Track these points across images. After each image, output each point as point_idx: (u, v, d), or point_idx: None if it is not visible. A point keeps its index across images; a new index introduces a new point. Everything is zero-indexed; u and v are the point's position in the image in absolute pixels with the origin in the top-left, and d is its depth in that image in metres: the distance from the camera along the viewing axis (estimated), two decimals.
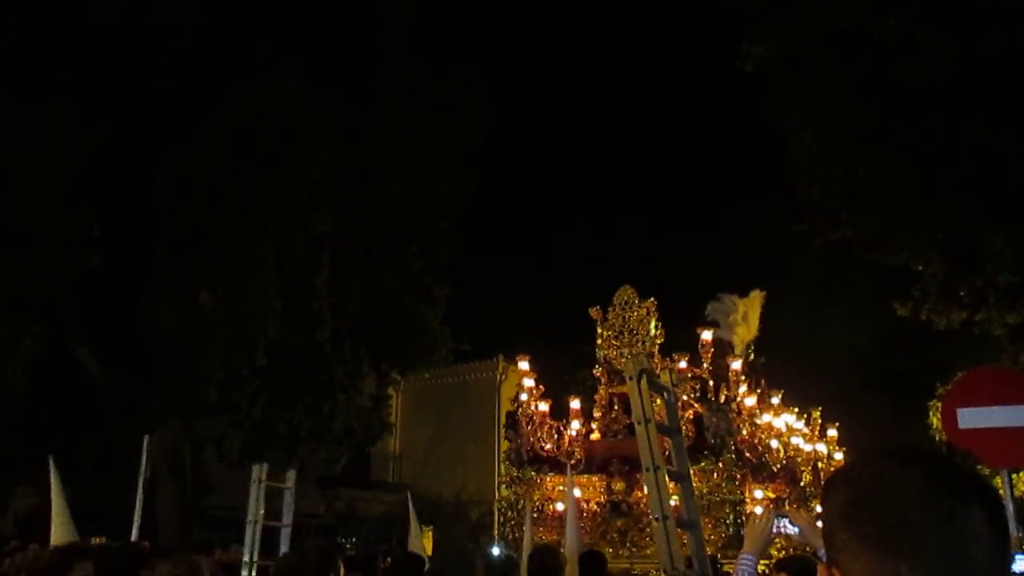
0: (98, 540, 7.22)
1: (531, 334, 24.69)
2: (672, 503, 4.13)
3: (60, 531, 6.17)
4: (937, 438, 17.10)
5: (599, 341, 10.30)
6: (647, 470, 4.09)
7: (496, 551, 14.61)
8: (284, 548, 6.42)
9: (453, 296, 18.43)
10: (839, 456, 11.79)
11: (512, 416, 22.82)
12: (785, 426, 10.05)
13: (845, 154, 11.66)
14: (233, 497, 18.49)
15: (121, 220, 14.40)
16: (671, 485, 4.36)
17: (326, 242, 15.70)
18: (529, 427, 10.07)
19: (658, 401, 4.92)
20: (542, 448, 9.84)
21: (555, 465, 9.68)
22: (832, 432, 11.96)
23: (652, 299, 10.11)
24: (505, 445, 22.81)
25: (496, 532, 22.97)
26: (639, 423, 4.15)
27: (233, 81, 14.71)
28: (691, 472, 4.84)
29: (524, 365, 10.61)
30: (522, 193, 34.56)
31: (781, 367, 11.58)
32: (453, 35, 17.60)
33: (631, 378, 4.30)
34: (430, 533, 22.21)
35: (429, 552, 21.28)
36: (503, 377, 25.93)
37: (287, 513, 6.74)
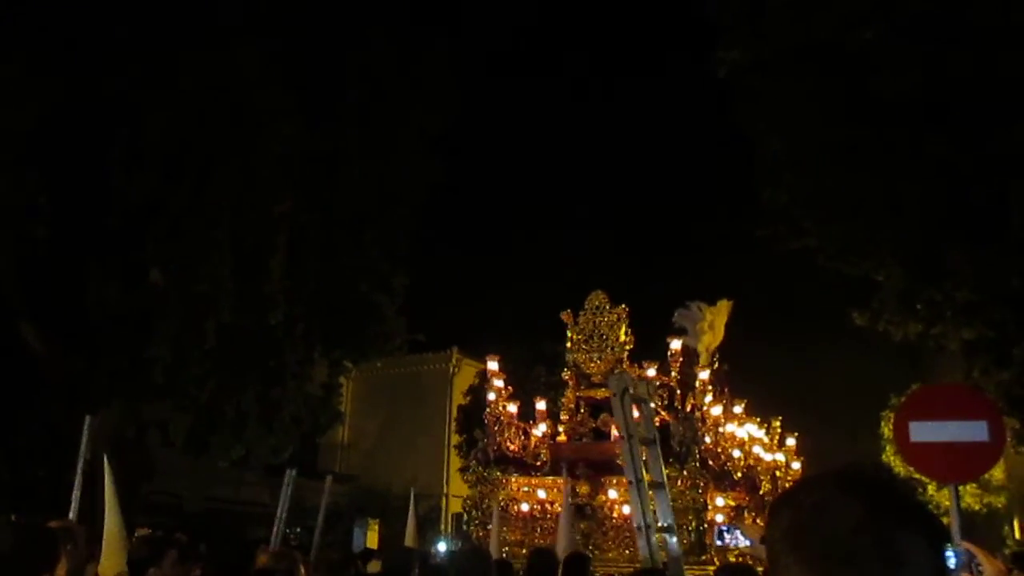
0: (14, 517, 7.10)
1: (487, 328, 24.84)
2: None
3: None
4: (887, 448, 17.64)
5: (569, 344, 10.41)
6: (631, 483, 4.37)
7: (443, 547, 14.61)
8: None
9: (410, 286, 18.28)
10: (796, 466, 11.94)
11: (465, 410, 23.23)
12: (747, 435, 10.23)
13: (812, 162, 11.85)
14: (176, 483, 18.33)
15: (70, 190, 14.02)
16: (648, 492, 4.59)
17: (284, 224, 15.51)
18: (497, 427, 10.07)
19: (636, 413, 5.19)
20: (508, 449, 9.81)
21: (521, 466, 9.81)
22: (791, 442, 12.17)
23: (623, 305, 10.24)
24: (456, 439, 23.35)
25: (444, 527, 23.19)
26: (623, 437, 4.52)
27: (196, 50, 14.39)
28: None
29: (493, 365, 10.71)
30: (487, 188, 34.59)
31: (745, 374, 11.76)
32: (431, 20, 17.47)
33: (615, 395, 4.62)
34: (376, 527, 22.15)
35: (375, 546, 21.30)
36: (456, 370, 26.00)
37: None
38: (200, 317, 14.45)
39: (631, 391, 4.88)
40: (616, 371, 8.22)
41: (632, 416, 4.79)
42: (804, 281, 16.77)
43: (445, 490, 24.72)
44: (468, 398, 22.83)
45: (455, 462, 23.12)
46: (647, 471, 4.79)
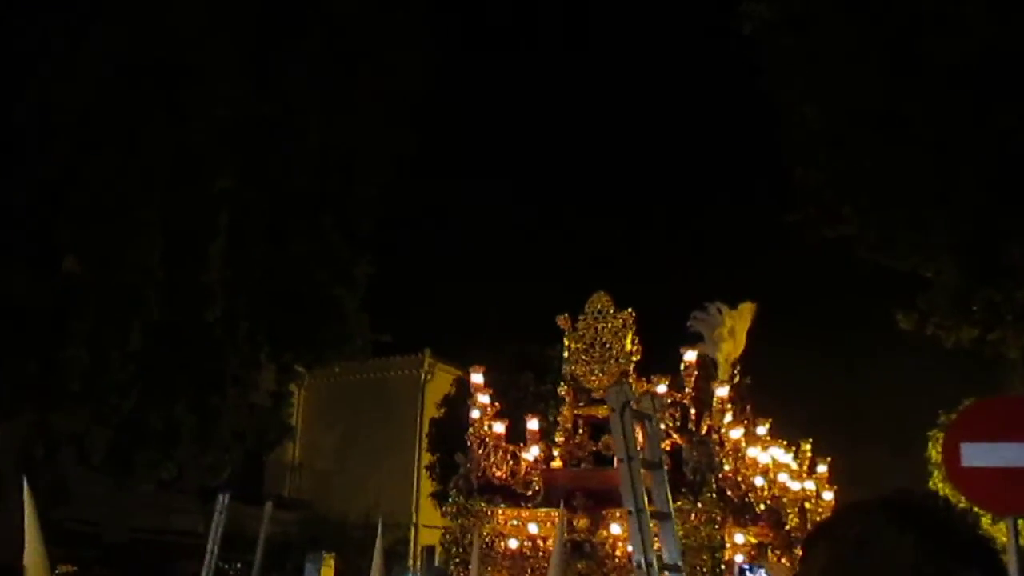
0: None
1: (465, 329, 24.76)
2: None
3: None
4: (935, 474, 17.68)
5: (566, 354, 10.44)
6: (631, 513, 4.38)
7: None
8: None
9: (375, 277, 18.47)
10: (829, 496, 11.99)
11: (438, 425, 23.14)
12: (772, 461, 10.24)
13: (852, 137, 11.89)
14: (94, 509, 18.14)
15: None
16: (651, 524, 4.60)
17: (225, 202, 15.50)
18: (481, 450, 10.06)
19: (638, 432, 5.22)
20: (494, 475, 9.88)
21: (508, 496, 9.82)
22: (822, 468, 12.24)
23: (629, 310, 10.25)
24: (428, 458, 23.27)
25: (413, 563, 23.11)
26: (623, 460, 4.49)
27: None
28: None
29: (478, 378, 10.68)
30: (467, 165, 34.44)
31: (769, 389, 11.85)
32: None
33: (614, 410, 4.64)
34: (332, 562, 22.05)
35: None
36: (428, 377, 25.95)
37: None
38: (124, 313, 14.36)
39: (633, 405, 4.93)
40: (620, 383, 8.20)
41: (634, 435, 4.83)
42: (840, 278, 16.92)
43: (414, 519, 24.67)
44: (442, 410, 22.74)
45: (426, 486, 23.07)
46: (650, 500, 4.82)
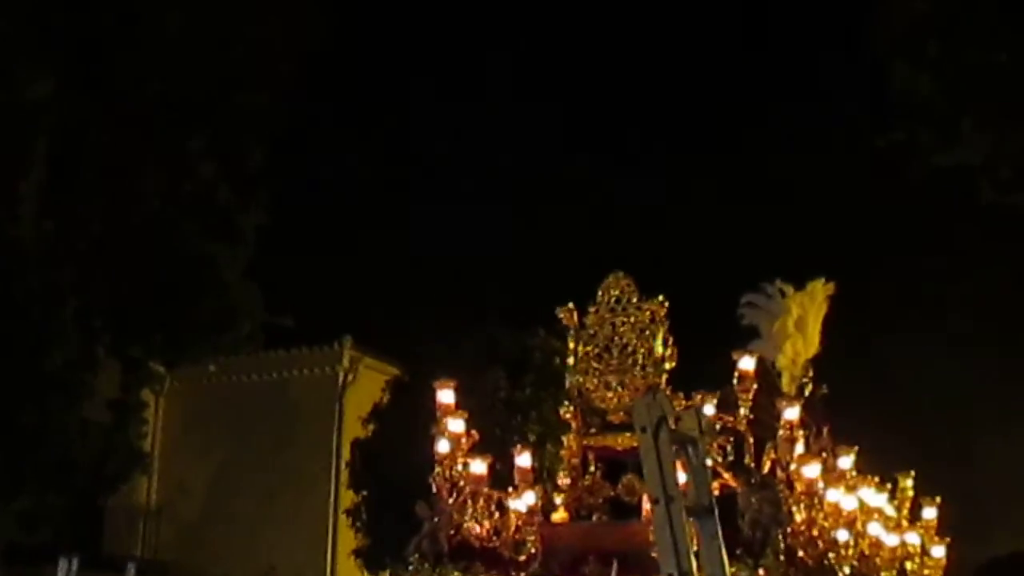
0: None
1: (404, 310, 24.45)
2: None
3: None
4: None
5: (571, 361, 10.51)
6: None
7: None
8: None
9: (269, 231, 18.71)
10: (939, 553, 11.89)
11: (364, 449, 22.93)
12: (859, 506, 10.16)
13: (977, 19, 12.28)
14: None
15: None
16: None
17: (42, 119, 15.66)
18: (454, 498, 9.99)
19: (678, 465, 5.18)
20: (472, 533, 9.78)
21: (493, 561, 9.71)
22: (930, 513, 11.97)
23: (660, 298, 10.25)
24: (350, 498, 23.09)
25: None
26: (657, 501, 4.48)
27: None
28: None
29: (447, 396, 10.59)
30: (411, 68, 34.00)
31: (851, 401, 11.95)
32: None
33: (644, 430, 4.64)
34: None
35: None
36: (350, 378, 25.64)
37: None
38: None
39: (672, 424, 4.84)
40: (651, 391, 8.18)
41: (673, 466, 4.72)
42: (956, 230, 16.76)
43: None
44: (370, 427, 22.45)
45: (346, 540, 22.81)
46: (699, 562, 4.71)
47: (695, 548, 4.73)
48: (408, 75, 33.95)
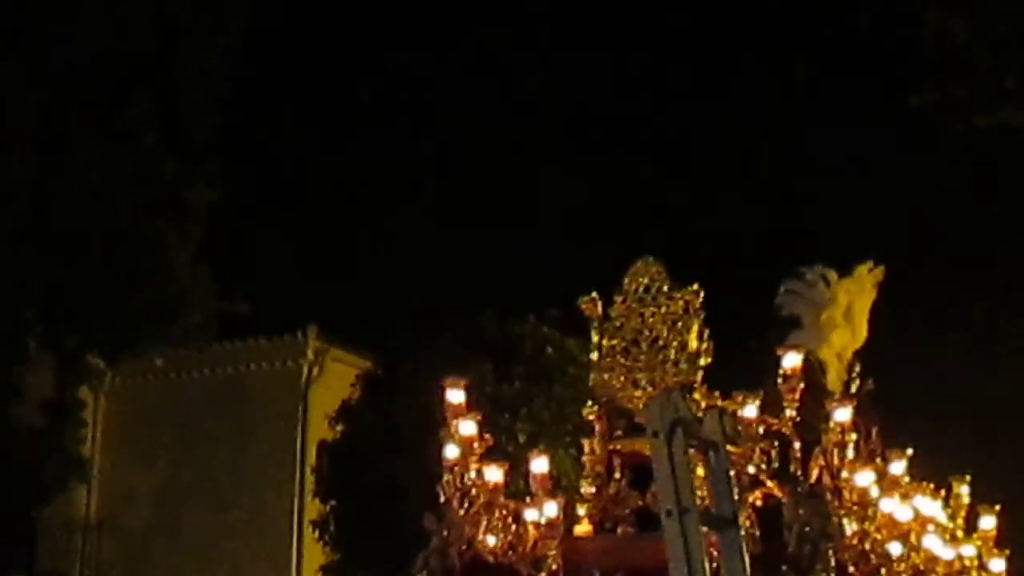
0: None
1: (376, 295, 24.33)
2: None
3: None
4: None
5: (594, 356, 10.57)
6: None
7: None
8: None
9: (222, 208, 18.79)
10: (998, 566, 11.83)
11: (332, 452, 22.69)
12: (914, 516, 10.22)
13: None
14: None
15: None
16: None
17: None
18: (465, 509, 10.05)
19: (698, 471, 5.46)
20: (487, 548, 9.92)
21: None
22: (988, 522, 12.01)
23: (695, 286, 10.23)
24: (316, 508, 22.91)
25: None
26: (670, 515, 4.55)
27: None
28: None
29: (457, 396, 10.65)
30: (383, 23, 33.93)
31: (899, 396, 12.23)
32: None
33: (656, 434, 4.58)
34: None
35: None
36: (317, 371, 25.58)
37: None
38: None
39: (688, 426, 4.85)
40: (663, 394, 8.22)
41: (688, 470, 4.73)
42: (1003, 198, 16.67)
43: None
44: (339, 427, 22.29)
45: (314, 555, 22.65)
46: None
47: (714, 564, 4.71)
48: (376, 39, 33.84)
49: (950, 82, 12.97)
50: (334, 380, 24.68)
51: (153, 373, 24.03)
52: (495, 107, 33.09)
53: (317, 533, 21.73)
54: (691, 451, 5.01)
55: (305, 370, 25.65)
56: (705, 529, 4.86)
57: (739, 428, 9.17)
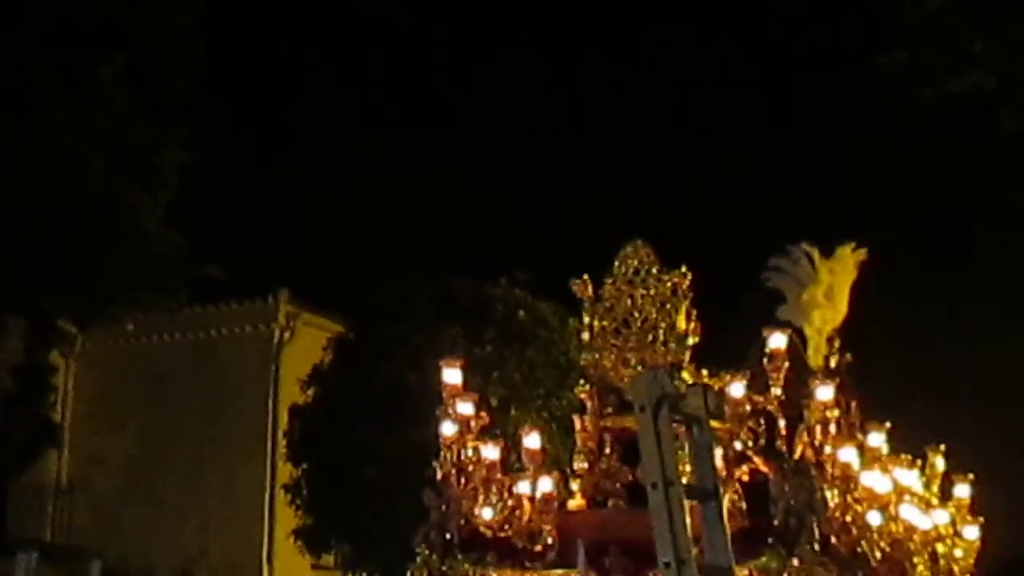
0: None
1: (346, 260, 24.23)
2: None
3: None
4: None
5: (586, 336, 10.83)
6: (668, 566, 4.67)
7: None
8: None
9: (194, 171, 18.62)
10: (972, 533, 11.95)
11: (304, 416, 22.60)
12: (893, 487, 10.38)
13: None
14: None
15: None
16: None
17: None
18: (463, 484, 10.26)
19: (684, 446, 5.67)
20: (483, 522, 10.12)
21: (506, 552, 9.98)
22: (963, 490, 12.14)
23: (683, 269, 10.47)
24: (288, 472, 22.82)
25: None
26: (655, 487, 4.73)
27: None
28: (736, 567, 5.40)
29: (454, 376, 10.86)
30: None
31: (873, 368, 12.18)
32: None
33: (642, 409, 4.85)
34: None
35: None
36: (287, 336, 25.66)
37: None
38: None
39: (672, 402, 5.11)
40: (650, 372, 8.26)
41: (673, 448, 4.97)
42: (974, 165, 16.72)
43: (265, 574, 24.36)
44: (311, 391, 22.21)
45: (286, 519, 22.61)
46: (700, 547, 5.02)
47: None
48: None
49: (922, 46, 12.86)
50: (306, 344, 24.65)
51: (124, 338, 23.89)
52: (469, 69, 33.03)
53: (289, 497, 21.70)
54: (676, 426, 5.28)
55: (277, 334, 25.64)
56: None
57: (726, 407, 9.34)
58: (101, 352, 25.75)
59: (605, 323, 10.58)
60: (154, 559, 22.27)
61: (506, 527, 10.14)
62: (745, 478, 9.43)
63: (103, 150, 17.17)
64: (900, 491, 10.60)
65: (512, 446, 10.91)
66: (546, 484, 10.10)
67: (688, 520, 4.89)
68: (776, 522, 8.93)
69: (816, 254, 11.05)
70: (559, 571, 9.82)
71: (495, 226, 27.22)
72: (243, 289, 24.54)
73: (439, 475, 10.49)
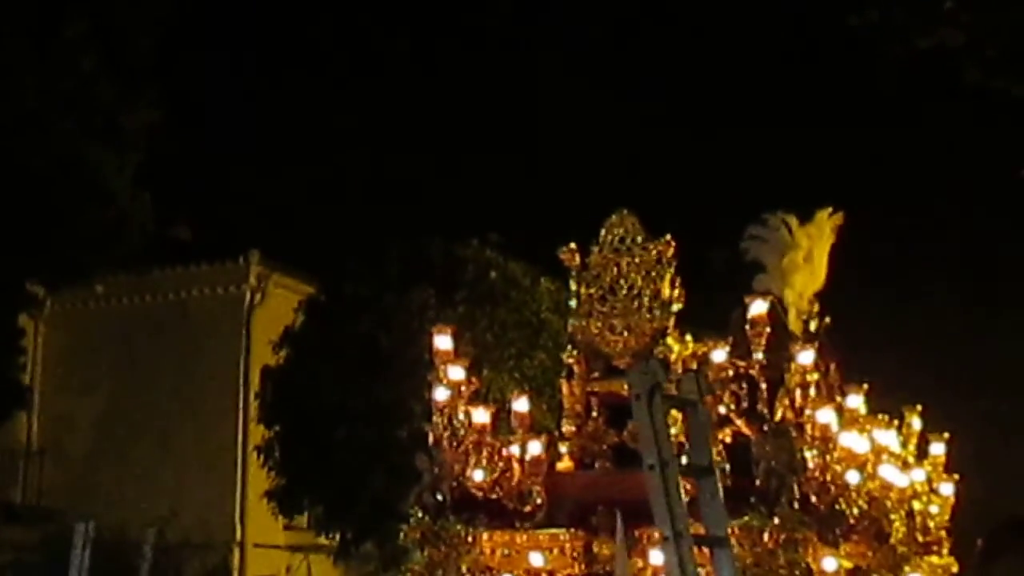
0: None
1: (320, 214, 24.09)
2: None
3: None
4: None
5: (573, 303, 11.00)
6: (667, 539, 4.89)
7: None
8: None
9: (161, 129, 18.57)
10: (947, 490, 12.15)
11: (275, 378, 22.53)
12: (871, 447, 10.56)
13: None
14: None
15: None
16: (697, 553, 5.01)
17: None
18: (454, 447, 10.39)
19: (676, 420, 6.14)
20: (475, 484, 10.24)
21: (497, 513, 10.10)
22: (938, 448, 12.31)
23: (668, 237, 10.59)
24: (260, 433, 22.79)
25: None
26: (652, 468, 5.01)
27: None
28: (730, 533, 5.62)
29: (445, 342, 10.97)
30: None
31: (851, 330, 12.31)
32: None
33: (638, 397, 5.14)
34: None
35: None
36: (259, 297, 25.65)
37: None
38: None
39: (668, 389, 5.41)
40: (645, 359, 8.81)
41: (668, 430, 5.28)
42: (944, 124, 16.72)
43: (238, 536, 24.45)
44: (283, 353, 22.15)
45: (258, 481, 22.66)
46: (697, 518, 5.20)
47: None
48: None
49: (893, 4, 12.78)
50: (277, 306, 24.66)
51: (93, 300, 23.98)
52: (437, 30, 32.93)
53: (261, 459, 21.71)
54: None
55: (248, 296, 25.61)
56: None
57: (709, 371, 9.53)
58: (70, 314, 25.65)
59: (592, 290, 10.72)
60: (126, 521, 22.05)
61: (496, 489, 10.29)
62: (728, 440, 9.63)
63: (70, 111, 17.21)
64: (878, 451, 10.79)
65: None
66: (535, 447, 10.28)
67: (683, 496, 5.08)
68: (758, 482, 9.11)
69: (794, 220, 11.22)
70: (548, 531, 9.95)
71: (466, 187, 27.11)
72: (213, 250, 24.47)
73: (431, 439, 10.63)
